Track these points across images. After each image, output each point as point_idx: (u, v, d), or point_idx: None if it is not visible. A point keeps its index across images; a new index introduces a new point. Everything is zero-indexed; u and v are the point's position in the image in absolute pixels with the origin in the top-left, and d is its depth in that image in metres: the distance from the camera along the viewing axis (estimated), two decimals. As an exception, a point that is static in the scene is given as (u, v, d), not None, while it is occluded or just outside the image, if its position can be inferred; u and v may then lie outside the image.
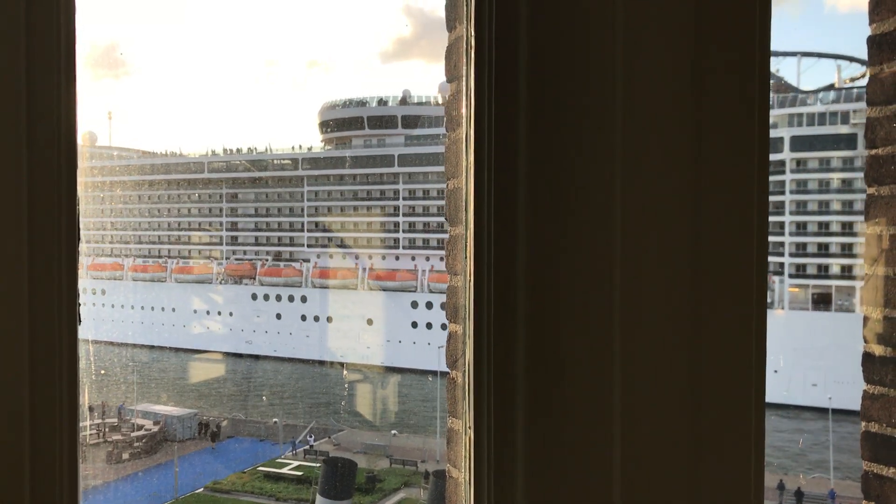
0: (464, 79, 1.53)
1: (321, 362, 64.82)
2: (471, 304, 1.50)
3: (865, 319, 2.19)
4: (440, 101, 68.53)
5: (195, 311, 71.49)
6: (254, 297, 71.05)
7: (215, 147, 76.21)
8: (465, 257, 1.54)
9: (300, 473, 37.60)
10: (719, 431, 1.53)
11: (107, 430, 42.00)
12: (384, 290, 67.11)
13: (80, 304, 1.40)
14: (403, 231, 66.89)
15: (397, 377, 59.66)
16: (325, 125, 72.55)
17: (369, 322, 66.53)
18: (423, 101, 69.80)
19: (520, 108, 1.47)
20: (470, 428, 1.51)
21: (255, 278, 71.51)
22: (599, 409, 1.50)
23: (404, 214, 66.73)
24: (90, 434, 40.51)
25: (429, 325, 64.69)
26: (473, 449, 1.49)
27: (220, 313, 71.47)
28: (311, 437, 43.68)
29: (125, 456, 39.98)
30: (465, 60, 1.51)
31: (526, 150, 1.47)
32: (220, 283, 72.60)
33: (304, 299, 69.75)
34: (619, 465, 1.50)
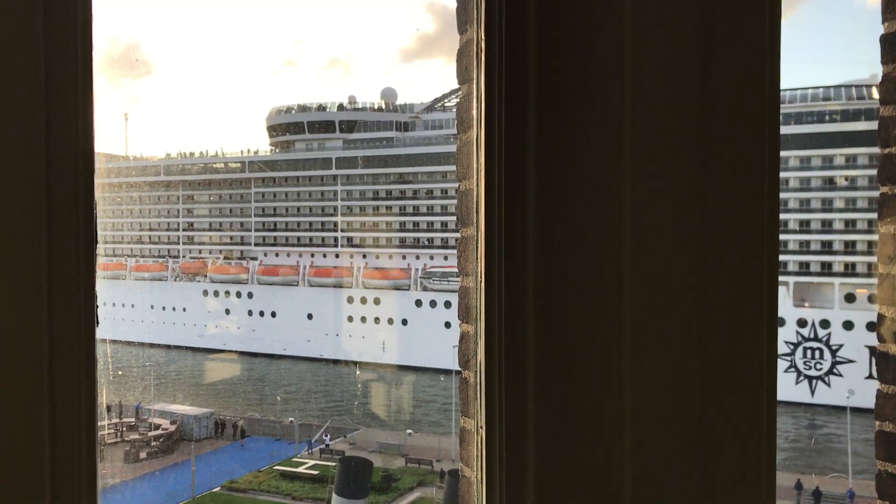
0: (474, 81, 1.54)
1: (268, 355, 67.89)
2: (482, 304, 1.51)
3: (881, 318, 2.18)
4: (377, 107, 72.64)
5: (152, 307, 74.69)
6: (205, 293, 74.75)
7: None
8: (476, 258, 1.55)
9: (316, 472, 37.73)
10: (730, 428, 1.53)
11: (124, 429, 42.39)
12: (322, 286, 70.49)
13: (97, 307, 1.42)
14: (341, 230, 70.05)
15: (334, 368, 63.73)
16: (271, 130, 75.80)
17: (309, 317, 69.87)
18: (362, 106, 72.98)
19: (529, 110, 1.47)
20: (482, 427, 1.52)
21: (206, 275, 75.01)
22: (610, 408, 1.51)
23: (342, 214, 69.87)
24: (108, 433, 40.90)
25: (363, 319, 68.22)
26: (485, 448, 1.50)
27: (174, 309, 74.65)
28: (326, 436, 43.92)
29: (142, 455, 40.31)
30: (475, 63, 1.52)
31: (535, 152, 1.48)
32: (175, 280, 76.01)
33: (250, 295, 73.17)
34: (629, 463, 1.51)
